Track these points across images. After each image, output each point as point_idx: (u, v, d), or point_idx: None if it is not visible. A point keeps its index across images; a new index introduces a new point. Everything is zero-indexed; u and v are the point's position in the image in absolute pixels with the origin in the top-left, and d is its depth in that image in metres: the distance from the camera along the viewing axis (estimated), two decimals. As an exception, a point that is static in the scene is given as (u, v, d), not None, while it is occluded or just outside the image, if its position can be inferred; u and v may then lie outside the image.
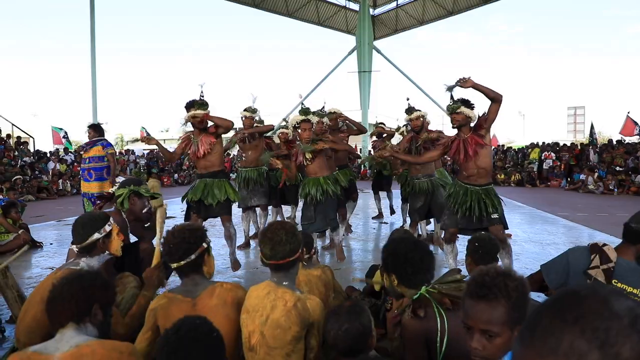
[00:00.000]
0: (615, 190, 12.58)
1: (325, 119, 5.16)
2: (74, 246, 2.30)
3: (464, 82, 3.47)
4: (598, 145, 16.31)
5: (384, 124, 7.21)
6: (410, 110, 5.03)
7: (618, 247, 2.13)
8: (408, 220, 6.61)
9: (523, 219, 7.93)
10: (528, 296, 1.32)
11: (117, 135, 47.62)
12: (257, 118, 5.57)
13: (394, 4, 25.20)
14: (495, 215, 3.69)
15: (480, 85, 3.47)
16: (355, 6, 24.96)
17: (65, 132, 17.22)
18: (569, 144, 17.77)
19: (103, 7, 31.22)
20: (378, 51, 25.02)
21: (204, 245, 1.99)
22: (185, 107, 4.19)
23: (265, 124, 5.84)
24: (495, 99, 3.52)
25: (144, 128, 4.36)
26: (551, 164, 15.96)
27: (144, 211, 3.20)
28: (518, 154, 18.11)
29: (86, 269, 2.17)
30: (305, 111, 4.67)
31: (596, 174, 13.34)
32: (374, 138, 7.32)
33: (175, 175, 18.35)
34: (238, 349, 1.91)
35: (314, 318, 1.82)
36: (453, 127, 3.79)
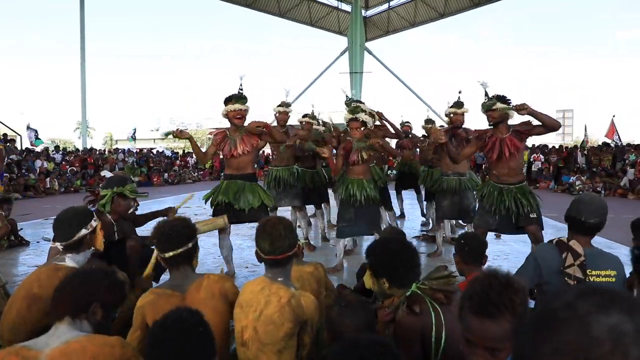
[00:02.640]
0: (602, 192, 12.75)
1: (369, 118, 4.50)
2: (58, 244, 2.24)
3: (520, 108, 3.39)
4: (586, 148, 16.57)
5: (409, 123, 7.00)
6: (459, 104, 4.86)
7: (576, 240, 2.17)
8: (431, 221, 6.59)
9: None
10: (528, 304, 1.31)
11: (106, 134, 47.23)
12: (291, 113, 5.41)
13: (385, 6, 25.32)
14: (533, 215, 3.64)
15: (538, 112, 3.41)
16: (347, 7, 25.02)
17: (36, 131, 17.05)
18: (557, 147, 17.98)
19: (93, 6, 30.95)
20: (370, 52, 25.12)
21: (197, 237, 2.06)
22: (224, 101, 3.96)
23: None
24: (551, 127, 3.49)
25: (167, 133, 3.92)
26: (540, 166, 16.14)
27: (129, 212, 3.19)
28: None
29: (74, 265, 2.15)
30: (353, 110, 4.25)
31: (585, 176, 13.53)
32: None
33: (165, 175, 18.20)
34: (227, 341, 1.89)
35: (308, 315, 1.80)
36: (490, 125, 3.70)
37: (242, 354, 1.80)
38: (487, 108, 3.65)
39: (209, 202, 4.16)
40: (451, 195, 4.84)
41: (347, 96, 4.58)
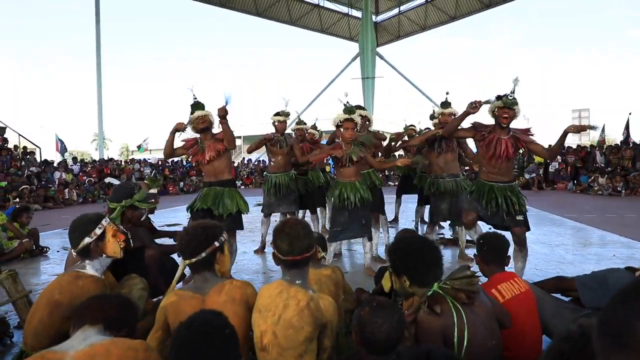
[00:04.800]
0: (623, 191, 12.48)
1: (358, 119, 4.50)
2: (73, 251, 2.31)
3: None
4: (604, 147, 16.22)
5: (414, 126, 7.02)
6: (446, 104, 4.84)
7: None
8: (416, 223, 6.62)
9: (530, 220, 7.80)
10: None
11: (122, 145, 48.01)
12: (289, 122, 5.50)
13: (396, 11, 25.34)
14: (520, 217, 3.62)
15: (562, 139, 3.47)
16: (358, 13, 25.12)
17: (62, 141, 18.36)
18: (574, 146, 17.64)
19: (108, 17, 31.64)
20: (381, 57, 25.12)
21: (216, 244, 2.00)
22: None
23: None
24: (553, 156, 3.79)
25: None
26: (557, 167, 15.86)
27: (141, 219, 3.22)
28: (524, 157, 17.99)
29: (94, 273, 2.19)
30: (349, 110, 4.33)
31: (605, 177, 13.26)
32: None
33: (181, 184, 18.38)
34: (246, 346, 1.89)
35: (327, 318, 1.78)
36: (503, 125, 3.57)
37: (262, 358, 1.79)
38: (511, 104, 3.50)
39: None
40: (449, 197, 4.78)
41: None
